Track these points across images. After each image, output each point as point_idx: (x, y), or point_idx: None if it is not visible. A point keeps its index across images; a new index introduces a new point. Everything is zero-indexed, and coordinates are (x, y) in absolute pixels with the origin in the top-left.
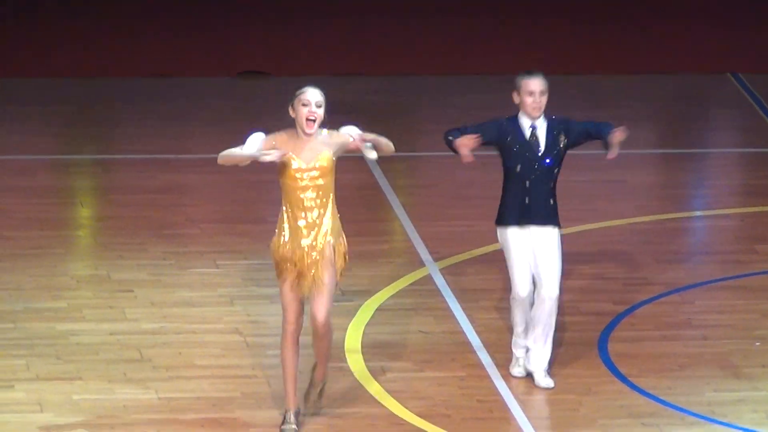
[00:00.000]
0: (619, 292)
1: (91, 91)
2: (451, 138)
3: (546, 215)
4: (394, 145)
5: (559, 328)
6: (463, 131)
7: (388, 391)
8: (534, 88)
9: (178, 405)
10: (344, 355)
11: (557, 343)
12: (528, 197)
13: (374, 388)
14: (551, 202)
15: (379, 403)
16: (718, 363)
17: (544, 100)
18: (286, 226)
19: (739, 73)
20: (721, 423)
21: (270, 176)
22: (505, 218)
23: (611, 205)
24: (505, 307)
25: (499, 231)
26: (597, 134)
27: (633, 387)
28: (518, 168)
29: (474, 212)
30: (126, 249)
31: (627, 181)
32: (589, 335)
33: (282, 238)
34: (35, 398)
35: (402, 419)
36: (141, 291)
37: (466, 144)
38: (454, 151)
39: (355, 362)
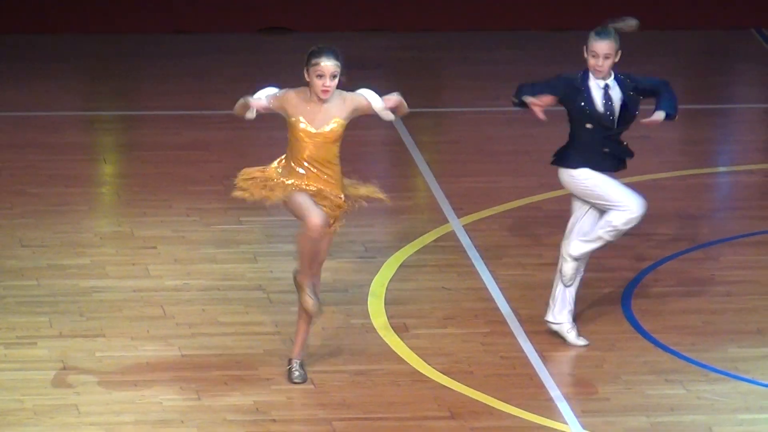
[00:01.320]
0: (642, 248)
1: (114, 48)
2: (523, 97)
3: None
4: (419, 101)
5: (583, 284)
6: (534, 88)
7: (411, 348)
8: (598, 50)
9: (201, 362)
10: (367, 312)
11: (581, 300)
12: (606, 148)
13: (397, 344)
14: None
15: (401, 359)
16: (741, 319)
17: (608, 63)
18: (283, 165)
19: (762, 28)
20: (744, 379)
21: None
22: (578, 162)
23: (635, 161)
24: (528, 263)
25: (575, 172)
26: (656, 96)
27: (656, 343)
28: (590, 126)
29: (498, 168)
30: (149, 206)
31: (650, 136)
32: (613, 291)
33: (277, 170)
34: (58, 355)
35: (425, 376)
36: (164, 248)
37: (540, 104)
38: (524, 106)
39: (378, 319)
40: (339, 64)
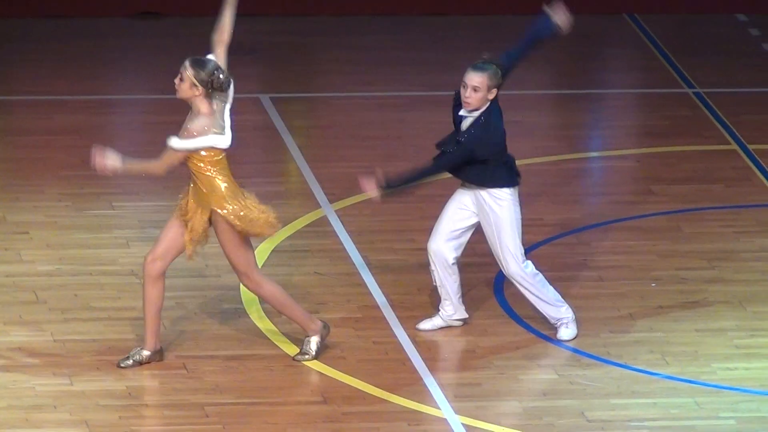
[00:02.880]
0: None
1: None
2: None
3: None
4: (291, 86)
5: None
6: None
7: (284, 333)
8: (467, 81)
9: (74, 347)
10: (240, 297)
11: None
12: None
13: (269, 330)
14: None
15: (274, 345)
16: (613, 304)
17: (475, 96)
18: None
19: (635, 13)
20: (616, 364)
21: (169, 118)
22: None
23: (507, 146)
24: (401, 248)
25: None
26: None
27: (529, 329)
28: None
29: (370, 153)
30: (22, 191)
31: (523, 121)
32: (485, 276)
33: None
34: None
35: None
36: (37, 233)
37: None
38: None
39: (251, 304)
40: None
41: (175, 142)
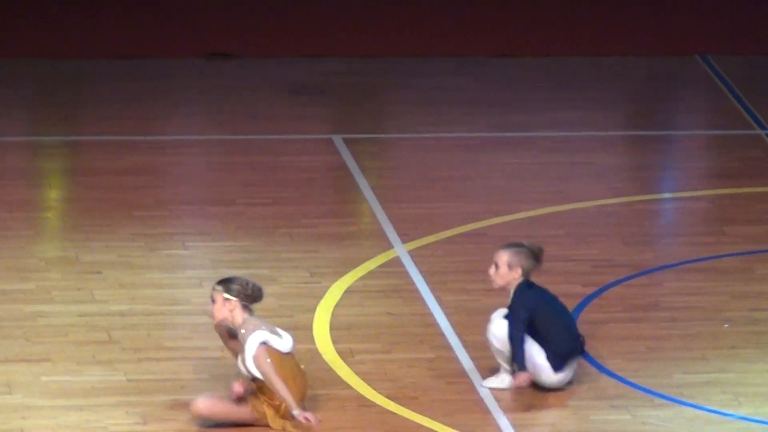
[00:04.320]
0: (587, 274)
1: (56, 73)
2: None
3: None
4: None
5: None
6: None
7: (357, 373)
8: (494, 258)
9: (147, 387)
10: (313, 338)
11: None
12: None
13: (343, 370)
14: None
15: (347, 385)
16: (686, 345)
17: (498, 273)
18: None
19: (707, 54)
20: (689, 405)
21: (237, 158)
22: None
23: (579, 187)
24: (473, 288)
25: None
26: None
27: (601, 369)
28: None
29: (441, 194)
30: (94, 231)
31: (595, 162)
32: None
33: None
34: (4, 380)
35: (371, 401)
36: (109, 272)
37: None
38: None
39: (324, 345)
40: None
41: (248, 345)
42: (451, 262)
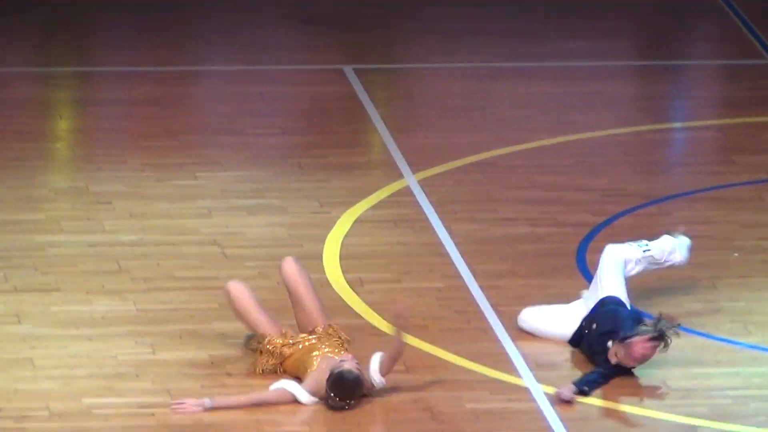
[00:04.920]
0: (597, 203)
1: (67, 3)
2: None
3: None
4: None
5: (537, 239)
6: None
7: (367, 303)
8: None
9: (156, 316)
10: (323, 267)
11: (534, 255)
12: None
13: (352, 299)
14: None
15: (357, 314)
16: (696, 274)
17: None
18: None
19: None
20: (699, 333)
21: (250, 89)
22: None
23: (589, 117)
24: (483, 218)
25: None
26: None
27: None
28: None
29: (451, 124)
30: (104, 161)
31: (605, 92)
32: (568, 246)
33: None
34: (13, 310)
35: (380, 330)
36: (119, 203)
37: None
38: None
39: (333, 274)
40: None
41: None
42: (461, 192)
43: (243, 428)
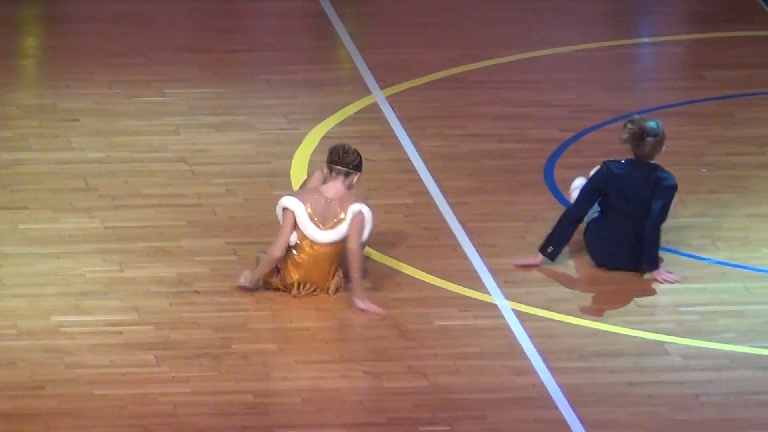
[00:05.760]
0: (565, 119)
1: None
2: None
3: None
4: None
5: (505, 155)
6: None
7: None
8: None
9: (124, 233)
10: (291, 184)
11: (502, 171)
12: None
13: None
14: None
15: None
16: None
17: None
18: None
19: None
20: (667, 249)
21: (218, 5)
22: None
23: (557, 33)
24: (451, 134)
25: None
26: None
27: None
28: None
29: (419, 40)
30: (72, 78)
31: (573, 8)
32: (535, 162)
33: None
34: None
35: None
36: (87, 120)
37: None
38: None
39: None
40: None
41: None
42: (429, 108)
43: (210, 345)
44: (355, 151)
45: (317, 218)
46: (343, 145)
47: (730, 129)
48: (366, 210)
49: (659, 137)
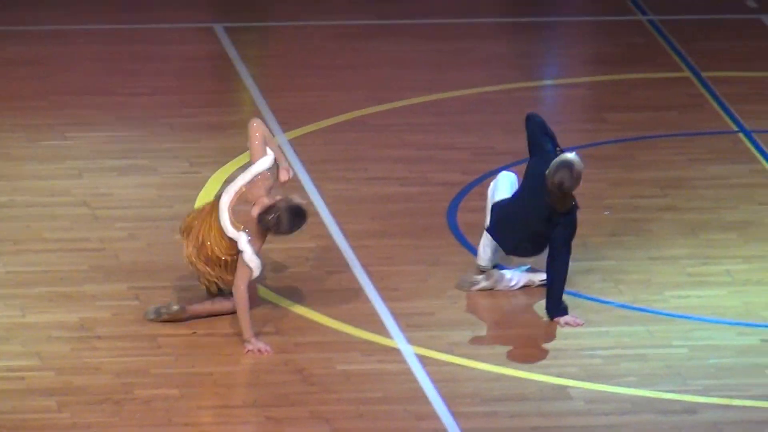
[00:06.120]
0: (467, 161)
1: None
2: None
3: None
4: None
5: (408, 198)
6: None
7: None
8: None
9: (26, 278)
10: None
11: (405, 214)
12: None
13: None
14: None
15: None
16: None
17: None
18: None
19: None
20: (570, 293)
21: (120, 48)
22: None
23: (460, 75)
24: (354, 177)
25: None
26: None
27: None
28: None
29: (323, 82)
30: None
31: (475, 50)
32: (438, 205)
33: None
34: None
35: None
36: None
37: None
38: None
39: None
40: None
41: None
42: (331, 151)
43: (112, 390)
44: (289, 224)
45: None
46: (278, 217)
47: (632, 171)
48: (247, 250)
49: (564, 189)
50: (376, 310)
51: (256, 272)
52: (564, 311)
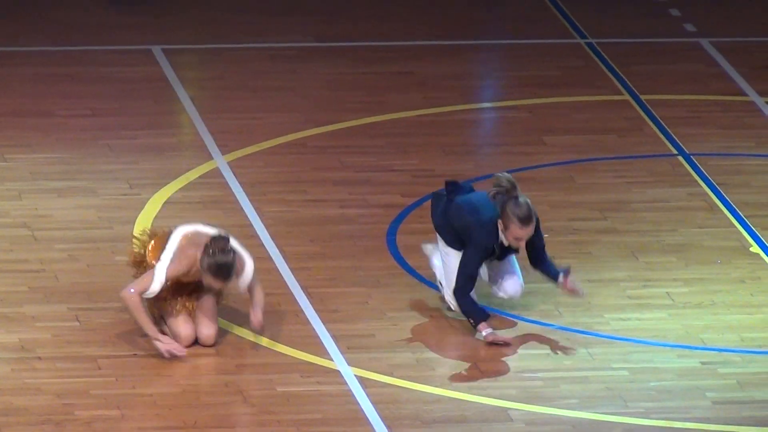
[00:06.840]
0: (407, 184)
1: None
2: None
3: None
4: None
5: (347, 220)
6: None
7: None
8: (523, 235)
9: None
10: (132, 249)
11: (345, 236)
12: None
13: None
14: None
15: None
16: None
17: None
18: None
19: None
20: (511, 315)
21: (58, 69)
22: None
23: (399, 97)
24: (293, 200)
25: None
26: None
27: (421, 279)
28: None
29: (262, 104)
30: None
31: (414, 72)
32: (377, 227)
33: None
34: None
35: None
36: None
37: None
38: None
39: None
40: None
41: None
42: (271, 173)
43: (53, 411)
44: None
45: None
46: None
47: (571, 194)
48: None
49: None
50: (316, 332)
51: (153, 290)
52: (481, 316)
